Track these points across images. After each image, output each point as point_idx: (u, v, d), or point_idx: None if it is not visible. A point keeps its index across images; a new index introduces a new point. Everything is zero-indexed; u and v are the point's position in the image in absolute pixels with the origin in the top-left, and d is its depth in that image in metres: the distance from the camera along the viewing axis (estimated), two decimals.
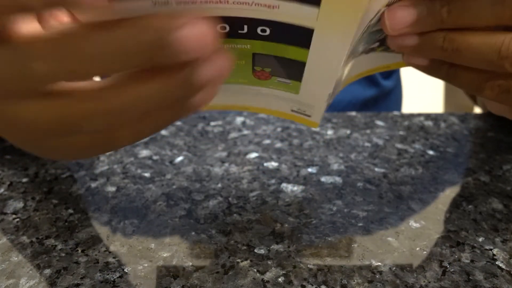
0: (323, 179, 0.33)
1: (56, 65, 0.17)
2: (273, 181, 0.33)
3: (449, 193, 0.32)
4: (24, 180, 0.33)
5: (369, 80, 0.57)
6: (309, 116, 0.27)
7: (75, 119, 0.18)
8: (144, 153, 0.37)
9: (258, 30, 0.21)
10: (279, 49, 0.22)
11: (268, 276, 0.25)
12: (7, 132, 0.20)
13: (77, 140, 0.20)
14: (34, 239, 0.27)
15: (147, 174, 0.34)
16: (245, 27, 0.21)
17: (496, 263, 0.26)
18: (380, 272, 0.25)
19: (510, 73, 0.22)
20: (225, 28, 0.21)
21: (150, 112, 0.19)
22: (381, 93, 0.59)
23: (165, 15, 0.17)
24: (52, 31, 0.17)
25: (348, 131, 0.40)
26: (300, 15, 0.19)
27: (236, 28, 0.21)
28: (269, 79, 0.25)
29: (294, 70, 0.24)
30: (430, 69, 0.24)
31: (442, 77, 0.25)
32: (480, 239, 0.27)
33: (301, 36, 0.21)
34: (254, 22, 0.20)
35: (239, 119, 0.42)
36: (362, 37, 0.23)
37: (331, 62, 0.22)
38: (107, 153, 0.37)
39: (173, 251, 0.27)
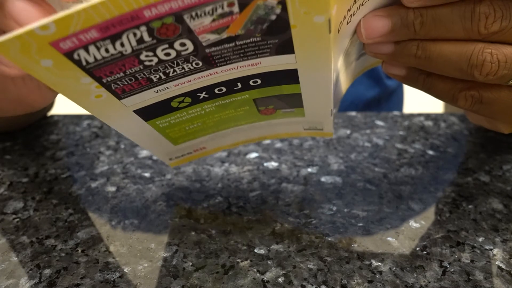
0: (323, 179, 0.33)
1: None
2: (273, 181, 0.33)
3: (449, 193, 0.32)
4: (24, 180, 0.33)
5: (373, 80, 0.57)
6: (321, 129, 0.29)
7: None
8: (144, 153, 0.37)
9: (250, 82, 0.23)
10: (274, 90, 0.24)
11: (268, 276, 0.25)
12: None
13: None
14: (34, 239, 0.27)
15: (147, 174, 0.34)
16: (239, 84, 0.23)
17: (496, 263, 0.26)
18: (380, 272, 0.25)
19: (481, 82, 0.23)
20: (222, 89, 0.23)
21: None
22: (384, 93, 0.59)
23: None
24: None
25: (348, 131, 0.40)
26: (280, 63, 0.21)
27: (231, 86, 0.23)
28: (274, 113, 0.27)
29: (294, 101, 0.26)
30: (408, 79, 0.25)
31: (419, 87, 0.25)
32: (480, 239, 0.27)
33: (289, 76, 0.23)
34: (245, 78, 0.23)
35: None
36: (348, 51, 0.24)
37: (322, 88, 0.24)
38: (107, 153, 0.37)
39: (173, 251, 0.27)
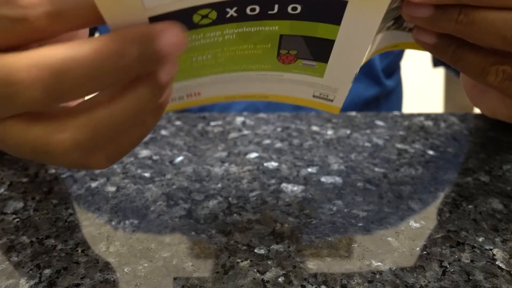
0: (323, 179, 0.33)
1: (48, 91, 0.17)
2: (273, 181, 0.33)
3: (449, 193, 0.32)
4: (24, 180, 0.33)
5: (372, 79, 0.57)
6: (331, 100, 0.27)
7: (54, 146, 0.19)
8: (144, 153, 0.37)
9: (289, 8, 0.21)
10: (308, 28, 0.22)
11: (268, 276, 0.25)
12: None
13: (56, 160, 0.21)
14: (34, 239, 0.27)
15: (147, 174, 0.34)
16: (276, 6, 0.20)
17: (496, 263, 0.26)
18: (380, 272, 0.25)
19: None
20: (254, 9, 0.20)
21: (126, 127, 0.19)
22: (383, 93, 0.59)
23: (141, 27, 0.18)
24: (46, 59, 0.17)
25: (348, 131, 0.40)
26: None
27: (266, 8, 0.20)
28: (293, 63, 0.25)
29: (322, 50, 0.23)
30: (437, 49, 0.24)
31: (447, 59, 0.24)
32: (480, 239, 0.27)
33: (333, 11, 0.20)
34: (285, 2, 0.20)
35: (239, 119, 0.42)
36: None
37: (362, 37, 0.21)
38: None
39: (173, 251, 0.27)
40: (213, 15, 0.21)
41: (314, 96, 0.27)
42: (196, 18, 0.20)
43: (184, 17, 0.20)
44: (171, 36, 0.18)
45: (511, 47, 0.22)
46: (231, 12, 0.21)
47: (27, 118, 0.19)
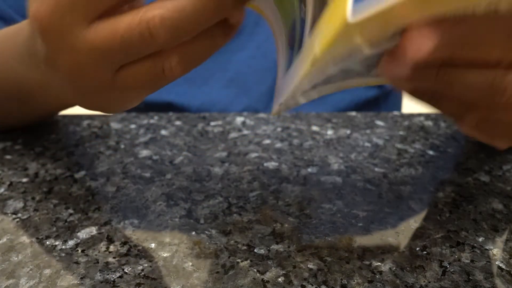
0: (323, 179, 0.33)
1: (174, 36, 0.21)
2: (273, 181, 0.33)
3: (449, 193, 0.32)
4: (24, 180, 0.33)
5: None
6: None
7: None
8: (144, 153, 0.37)
9: None
10: None
11: (268, 276, 0.25)
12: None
13: (134, 72, 0.23)
14: (34, 239, 0.27)
15: (147, 174, 0.34)
16: None
17: (496, 263, 0.26)
18: (380, 272, 0.25)
19: (494, 104, 0.22)
20: None
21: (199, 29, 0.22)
22: (382, 93, 0.59)
23: None
24: None
25: (348, 131, 0.40)
26: None
27: None
28: None
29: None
30: (414, 93, 0.24)
31: (424, 102, 0.24)
32: (480, 239, 0.27)
33: None
34: None
35: (239, 119, 0.42)
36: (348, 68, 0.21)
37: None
38: (107, 153, 0.37)
39: (173, 251, 0.27)
40: None
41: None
42: None
43: None
44: None
45: (487, 101, 0.22)
46: None
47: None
